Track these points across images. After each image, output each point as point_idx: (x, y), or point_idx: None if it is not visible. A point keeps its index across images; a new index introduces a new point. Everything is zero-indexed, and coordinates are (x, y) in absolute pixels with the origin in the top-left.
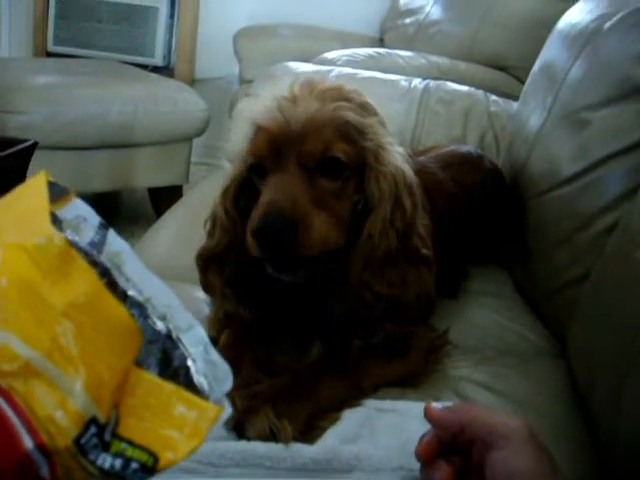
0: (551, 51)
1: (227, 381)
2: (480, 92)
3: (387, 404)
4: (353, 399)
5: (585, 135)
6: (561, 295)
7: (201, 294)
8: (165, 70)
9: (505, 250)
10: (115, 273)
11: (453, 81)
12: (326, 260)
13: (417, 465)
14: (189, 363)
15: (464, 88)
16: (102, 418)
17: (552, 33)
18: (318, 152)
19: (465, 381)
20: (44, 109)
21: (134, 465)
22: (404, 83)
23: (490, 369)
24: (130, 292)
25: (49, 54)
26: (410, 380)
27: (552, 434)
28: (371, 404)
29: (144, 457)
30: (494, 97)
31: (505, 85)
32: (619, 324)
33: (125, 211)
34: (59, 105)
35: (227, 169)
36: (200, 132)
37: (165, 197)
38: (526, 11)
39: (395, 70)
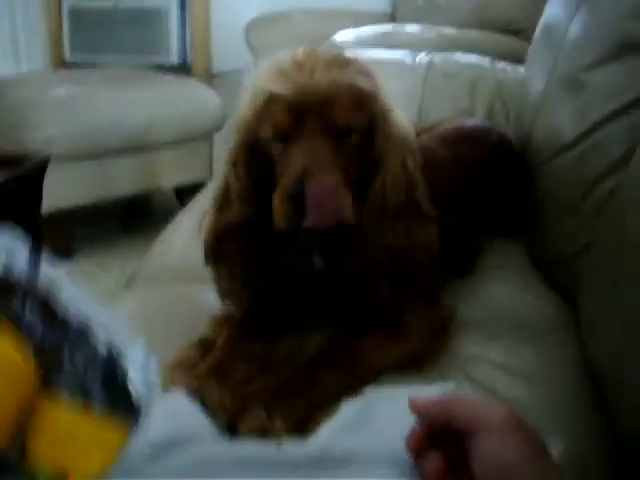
0: (551, 11)
1: (154, 395)
2: (486, 60)
3: (388, 392)
4: (352, 388)
5: (584, 97)
6: (572, 263)
7: (213, 296)
8: (182, 67)
9: (518, 221)
10: (53, 299)
11: (464, 51)
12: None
13: None
14: (128, 382)
15: (470, 58)
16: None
17: None
18: (342, 121)
19: (475, 360)
20: (63, 120)
21: None
22: (408, 60)
23: (503, 345)
24: (70, 316)
25: (66, 63)
26: (415, 363)
27: (564, 408)
28: (371, 392)
29: (54, 477)
30: (501, 64)
31: (518, 50)
32: (618, 289)
33: (154, 213)
34: (78, 115)
35: (232, 139)
36: (218, 127)
37: (192, 195)
38: None
39: (404, 46)
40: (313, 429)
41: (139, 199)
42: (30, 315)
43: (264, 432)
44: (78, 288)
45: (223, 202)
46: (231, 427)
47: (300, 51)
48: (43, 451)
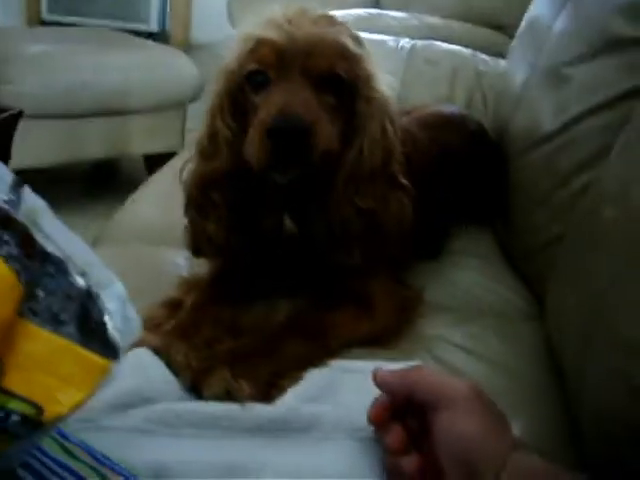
0: (537, 6)
1: (135, 334)
2: (468, 51)
3: (354, 365)
4: (318, 359)
5: (565, 91)
6: (540, 255)
7: (180, 259)
8: (160, 36)
9: (490, 209)
10: (33, 230)
11: (446, 41)
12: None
13: None
14: (106, 319)
15: (452, 47)
16: None
17: None
18: (324, 67)
19: (440, 341)
20: (37, 78)
21: (15, 417)
22: (391, 43)
23: (467, 330)
24: (49, 249)
25: (43, 22)
26: (382, 340)
27: (525, 397)
28: (337, 364)
29: (27, 409)
30: (483, 56)
31: (500, 44)
32: (586, 283)
33: (122, 179)
34: (52, 74)
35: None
36: (194, 98)
37: (161, 164)
38: None
39: (387, 31)
40: (277, 395)
41: (107, 163)
42: (8, 244)
43: (229, 393)
44: (59, 221)
45: (209, 150)
46: (196, 387)
47: (292, 8)
48: (17, 383)
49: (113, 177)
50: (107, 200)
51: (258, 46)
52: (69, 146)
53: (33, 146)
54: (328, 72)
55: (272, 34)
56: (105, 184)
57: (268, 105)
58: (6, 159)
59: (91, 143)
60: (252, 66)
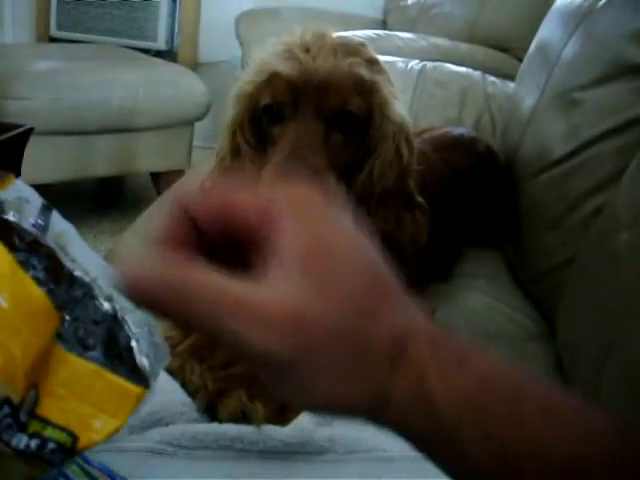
0: (547, 30)
1: (165, 361)
2: (477, 73)
3: None
4: None
5: (576, 115)
6: (551, 277)
7: None
8: (168, 54)
9: (499, 232)
10: (61, 254)
11: (453, 63)
12: None
13: (393, 446)
14: (133, 344)
15: (461, 69)
16: (16, 398)
17: (549, 11)
18: (337, 106)
19: None
20: (46, 94)
21: (51, 445)
22: (401, 65)
23: None
24: (76, 273)
25: (52, 39)
26: None
27: None
28: None
29: (62, 437)
30: (492, 78)
31: (507, 66)
32: (600, 306)
33: (129, 196)
34: (61, 90)
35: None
36: (202, 116)
37: (168, 182)
38: None
39: (394, 52)
40: (292, 417)
41: (114, 180)
42: (35, 269)
43: (244, 416)
44: (86, 245)
45: (232, 166)
46: (211, 409)
47: (310, 32)
48: (52, 411)
49: (120, 194)
50: (114, 217)
51: (273, 80)
52: (76, 163)
53: (40, 162)
54: (341, 109)
55: (286, 68)
56: (112, 201)
57: (279, 147)
58: (16, 176)
59: (98, 160)
60: (267, 100)
